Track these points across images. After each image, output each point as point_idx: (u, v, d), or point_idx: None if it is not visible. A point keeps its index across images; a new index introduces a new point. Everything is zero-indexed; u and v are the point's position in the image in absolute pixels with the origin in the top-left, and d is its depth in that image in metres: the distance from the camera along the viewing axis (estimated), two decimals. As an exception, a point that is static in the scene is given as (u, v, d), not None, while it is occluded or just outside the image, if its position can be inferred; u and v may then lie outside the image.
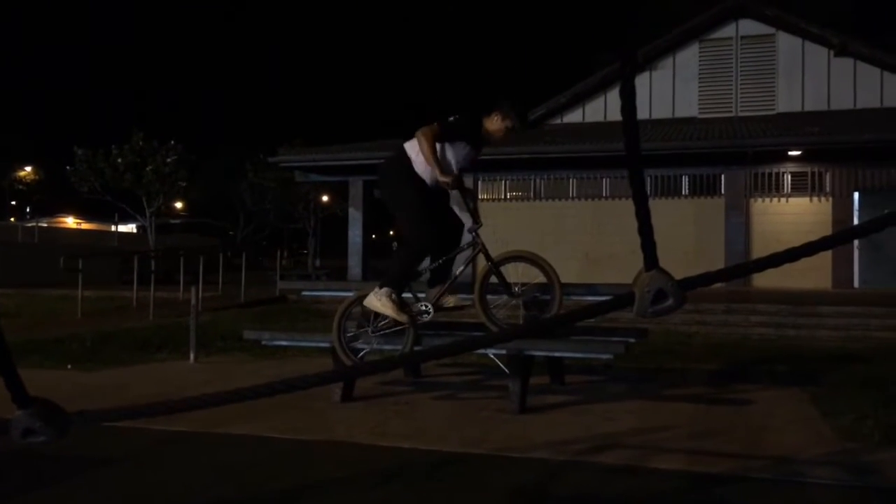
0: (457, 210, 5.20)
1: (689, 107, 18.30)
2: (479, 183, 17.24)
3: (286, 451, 4.09)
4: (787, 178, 16.17)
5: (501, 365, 5.16)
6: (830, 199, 15.94)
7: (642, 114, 18.08)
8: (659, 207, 16.07)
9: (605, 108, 18.75)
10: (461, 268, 5.15)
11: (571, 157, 16.07)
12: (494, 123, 4.94)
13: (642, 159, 1.04)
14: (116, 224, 26.67)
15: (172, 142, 25.87)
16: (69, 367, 7.09)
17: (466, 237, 5.05)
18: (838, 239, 1.04)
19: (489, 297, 5.03)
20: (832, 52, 17.29)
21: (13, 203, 48.94)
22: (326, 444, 4.24)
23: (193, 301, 7.79)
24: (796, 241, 1.09)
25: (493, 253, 5.00)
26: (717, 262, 14.74)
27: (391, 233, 62.41)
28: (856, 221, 15.58)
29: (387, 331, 5.01)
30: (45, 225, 29.75)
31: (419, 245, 4.87)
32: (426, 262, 5.12)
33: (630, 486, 3.52)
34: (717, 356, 8.02)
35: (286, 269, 25.79)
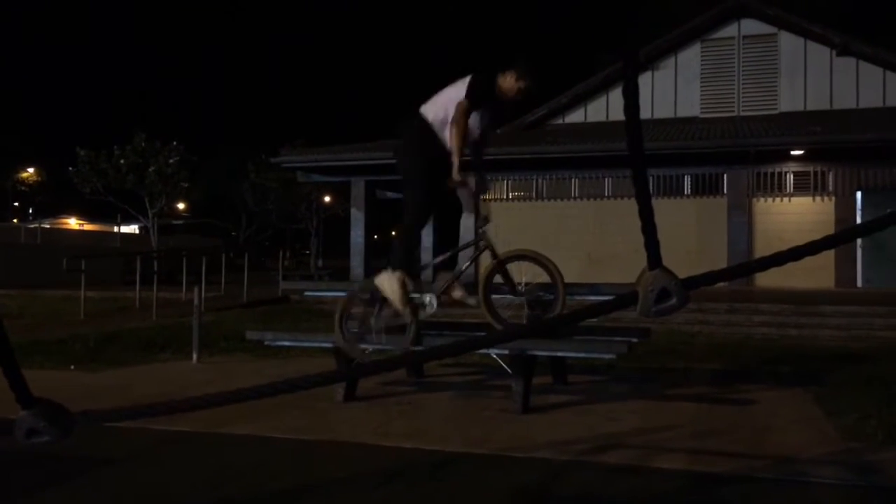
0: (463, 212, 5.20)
1: (691, 106, 18.29)
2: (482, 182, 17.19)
3: (288, 451, 4.09)
4: (790, 178, 16.15)
5: (504, 365, 5.15)
6: (833, 198, 15.92)
7: (644, 113, 18.03)
8: (661, 207, 16.01)
9: (607, 107, 18.74)
10: (467, 263, 5.13)
11: (573, 157, 16.06)
12: (508, 82, 4.88)
13: (645, 159, 1.04)
14: (119, 225, 26.70)
15: (175, 142, 25.93)
16: (72, 367, 7.10)
17: (471, 235, 5.02)
18: (841, 238, 1.04)
19: (493, 296, 5.03)
20: (834, 52, 17.27)
21: (16, 204, 49.01)
22: (329, 444, 4.24)
23: (196, 301, 7.80)
24: (799, 241, 1.09)
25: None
26: (719, 262, 14.73)
27: (393, 234, 62.48)
28: (858, 221, 15.56)
29: (389, 320, 5.00)
30: (48, 226, 29.78)
31: (416, 213, 4.84)
32: (428, 259, 5.12)
33: (633, 486, 3.52)
34: (720, 356, 8.01)
35: (288, 269, 25.82)
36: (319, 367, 6.11)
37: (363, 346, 5.14)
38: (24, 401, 1.20)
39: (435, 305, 4.97)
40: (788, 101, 17.69)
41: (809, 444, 4.16)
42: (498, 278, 5.02)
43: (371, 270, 18.28)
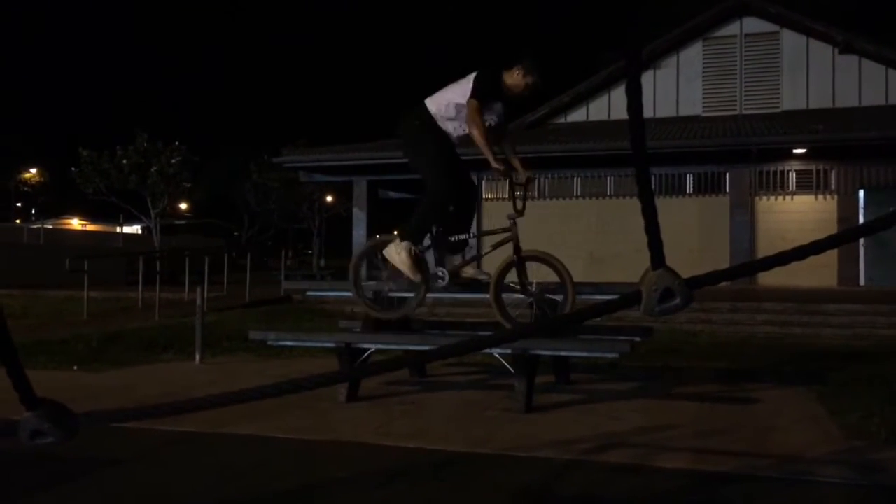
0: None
1: (693, 105, 18.28)
2: (483, 182, 17.22)
3: (291, 452, 4.09)
4: (792, 176, 16.13)
5: (507, 364, 5.16)
6: (835, 196, 15.90)
7: (646, 112, 18.04)
8: (664, 206, 16.01)
9: (609, 106, 18.73)
10: (489, 249, 5.12)
11: (575, 156, 16.06)
12: (514, 77, 4.89)
13: (648, 158, 1.04)
14: (121, 225, 26.75)
15: (177, 143, 25.96)
16: (75, 367, 7.11)
17: (504, 221, 5.02)
18: (846, 237, 1.04)
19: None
20: (837, 50, 17.24)
21: (18, 205, 49.09)
22: (331, 444, 4.24)
23: (199, 301, 7.80)
24: (801, 239, 1.09)
25: (494, 253, 5.00)
26: (722, 261, 14.72)
27: (395, 232, 62.39)
28: (861, 219, 15.54)
29: (402, 287, 5.08)
30: (51, 226, 29.85)
31: (440, 195, 4.88)
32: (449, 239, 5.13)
33: (636, 486, 3.52)
34: (723, 355, 8.00)
35: (291, 269, 25.84)
36: (322, 367, 6.11)
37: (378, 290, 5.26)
38: (28, 402, 1.20)
39: (447, 279, 4.99)
40: (791, 99, 17.66)
41: (813, 443, 4.16)
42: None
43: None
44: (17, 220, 38.53)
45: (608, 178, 17.15)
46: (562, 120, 19.24)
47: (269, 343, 6.12)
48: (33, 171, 49.36)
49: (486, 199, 17.29)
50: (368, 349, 5.45)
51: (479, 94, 4.76)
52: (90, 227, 32.65)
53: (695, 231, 16.01)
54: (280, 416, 4.73)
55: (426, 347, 4.88)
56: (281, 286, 14.25)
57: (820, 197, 15.99)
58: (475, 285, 5.16)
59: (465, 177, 5.16)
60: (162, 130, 27.00)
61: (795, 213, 15.92)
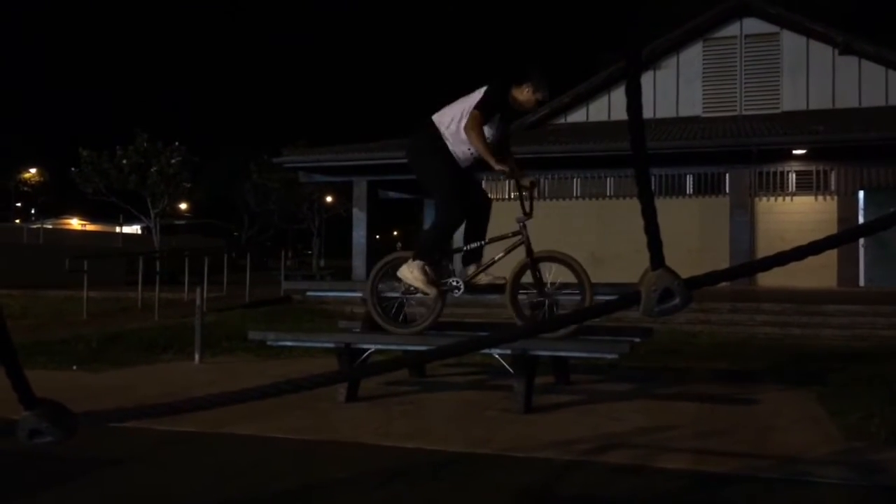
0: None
1: (693, 106, 18.28)
2: (483, 183, 17.21)
3: (290, 452, 4.09)
4: (792, 177, 16.14)
5: (506, 365, 5.16)
6: (835, 197, 15.90)
7: (646, 113, 18.05)
8: (664, 206, 15.98)
9: (608, 107, 18.73)
10: (501, 254, 5.14)
11: (575, 157, 16.06)
12: (524, 94, 4.91)
13: (648, 158, 1.04)
14: (121, 225, 26.74)
15: (177, 143, 25.96)
16: (75, 367, 7.10)
17: (514, 225, 5.04)
18: (845, 237, 1.04)
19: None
20: (837, 51, 17.25)
21: (18, 205, 49.09)
22: (331, 444, 4.24)
23: (198, 301, 7.80)
24: (801, 240, 1.09)
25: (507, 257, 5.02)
26: (721, 261, 14.72)
27: (395, 233, 62.45)
28: (861, 220, 15.54)
29: (419, 302, 5.17)
30: (50, 226, 29.84)
31: (450, 216, 4.94)
32: (461, 242, 5.17)
33: (636, 486, 3.52)
34: (723, 355, 8.00)
35: (290, 269, 25.83)
36: (322, 367, 6.11)
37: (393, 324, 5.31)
38: (26, 401, 1.20)
39: (463, 289, 5.06)
40: (791, 100, 17.67)
41: (812, 444, 4.16)
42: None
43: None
44: (17, 220, 38.53)
45: (608, 179, 17.16)
46: (562, 121, 19.24)
47: (268, 343, 6.12)
48: (33, 171, 49.37)
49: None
50: (368, 349, 5.45)
51: (485, 108, 4.80)
52: (90, 228, 32.64)
53: (695, 231, 16.02)
54: (280, 417, 4.73)
55: (425, 348, 4.88)
56: (281, 286, 14.25)
57: (820, 198, 16.00)
58: (491, 290, 5.18)
59: (476, 190, 5.24)
60: (162, 131, 26.99)
61: (795, 213, 15.93)
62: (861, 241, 15.41)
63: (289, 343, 6.20)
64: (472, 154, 4.96)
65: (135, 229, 29.85)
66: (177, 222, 30.00)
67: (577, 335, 5.14)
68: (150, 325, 10.42)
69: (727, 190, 16.35)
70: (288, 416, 4.79)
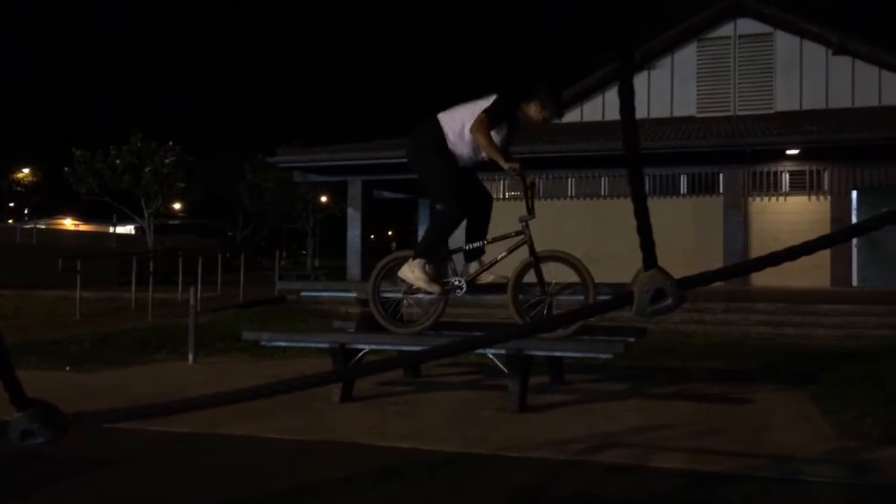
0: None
1: (687, 106, 18.31)
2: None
3: (285, 452, 4.09)
4: (786, 177, 16.18)
5: (501, 365, 5.16)
6: (829, 197, 15.95)
7: (641, 113, 18.06)
8: (658, 206, 16.07)
9: (603, 107, 18.76)
10: (504, 253, 5.14)
11: (570, 157, 16.07)
12: (533, 112, 4.91)
13: (641, 158, 1.04)
14: (115, 225, 26.68)
15: (171, 143, 25.89)
16: (68, 368, 7.08)
17: (516, 225, 5.04)
18: (837, 237, 1.04)
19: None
20: (830, 51, 17.30)
21: (11, 205, 48.90)
22: (325, 444, 4.23)
23: (192, 301, 7.78)
24: (794, 240, 1.09)
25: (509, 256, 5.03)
26: (715, 261, 14.75)
27: (390, 233, 62.42)
28: (854, 220, 15.58)
29: (419, 296, 5.16)
30: (44, 226, 29.74)
31: (450, 215, 4.95)
32: (461, 243, 5.18)
33: (631, 486, 3.52)
34: (717, 355, 8.02)
35: (285, 269, 25.79)
36: (316, 368, 6.10)
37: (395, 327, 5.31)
38: (18, 402, 1.20)
39: (465, 288, 5.06)
40: (784, 100, 17.71)
41: (806, 443, 4.17)
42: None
43: (368, 270, 18.29)
44: (10, 220, 38.38)
45: (602, 179, 17.18)
46: (556, 121, 19.27)
47: (262, 343, 6.11)
48: (26, 170, 49.17)
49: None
50: (362, 350, 5.45)
51: (493, 115, 4.80)
52: (83, 228, 32.54)
53: (689, 231, 16.05)
54: (274, 417, 4.72)
55: (419, 348, 4.88)
56: (275, 286, 14.23)
57: (813, 198, 16.05)
58: (494, 289, 5.18)
59: (477, 189, 5.23)
60: (156, 130, 26.86)
61: (789, 213, 15.97)
62: (854, 241, 15.46)
63: (283, 343, 6.19)
64: (474, 156, 4.96)
65: (129, 229, 29.79)
66: (171, 222, 29.94)
67: (576, 335, 5.14)
68: (143, 326, 10.40)
69: (721, 190, 16.38)
70: (282, 416, 4.78)
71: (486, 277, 5.13)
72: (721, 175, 16.34)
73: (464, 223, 5.15)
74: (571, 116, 19.20)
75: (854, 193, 15.90)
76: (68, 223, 34.29)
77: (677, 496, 3.40)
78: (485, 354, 5.41)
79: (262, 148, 30.01)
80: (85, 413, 1.25)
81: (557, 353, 5.54)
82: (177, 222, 30.84)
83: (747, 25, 18.01)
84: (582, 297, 4.92)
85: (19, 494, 3.42)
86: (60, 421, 1.20)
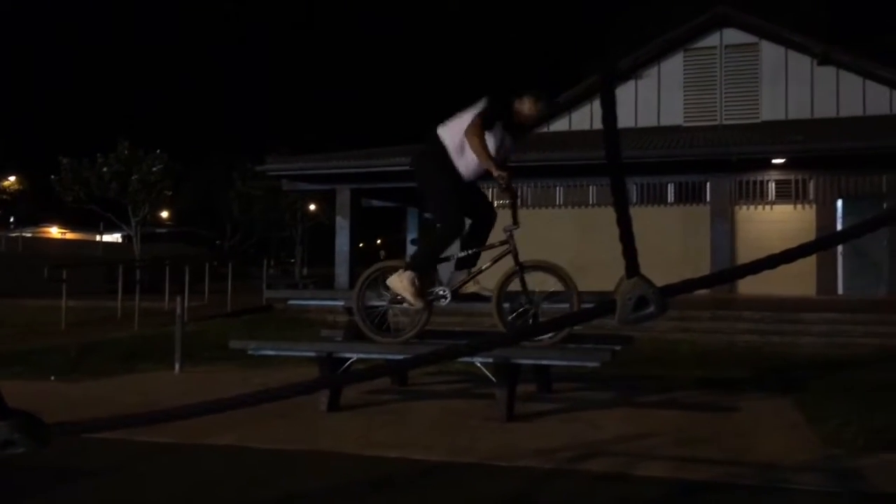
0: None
1: (674, 115, 18.41)
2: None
3: (271, 462, 4.06)
4: (772, 186, 16.28)
5: (488, 373, 5.16)
6: (814, 206, 16.06)
7: (628, 122, 18.19)
8: (646, 215, 16.13)
9: (591, 116, 18.83)
10: (488, 264, 5.14)
11: (558, 166, 16.11)
12: (526, 107, 4.93)
13: (623, 167, 1.05)
14: (101, 233, 26.49)
15: (158, 150, 25.78)
16: (53, 378, 7.02)
17: (500, 235, 5.05)
18: (817, 246, 1.05)
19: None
20: (815, 61, 17.46)
21: (-3, 213, 48.48)
22: (312, 454, 4.21)
23: (179, 310, 7.74)
24: (781, 248, 1.10)
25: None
26: (703, 269, 14.81)
27: (378, 241, 62.37)
28: (839, 228, 15.70)
29: (405, 311, 5.18)
30: (30, 235, 29.53)
31: (448, 231, 4.99)
32: (455, 250, 5.18)
33: (617, 494, 3.53)
34: (704, 363, 8.05)
35: (273, 277, 25.70)
36: (304, 377, 6.08)
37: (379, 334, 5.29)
38: (-1, 412, 1.19)
39: (449, 297, 5.08)
40: (770, 109, 17.84)
41: (791, 451, 4.19)
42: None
43: (356, 279, 18.26)
44: (-4, 229, 38.05)
45: (590, 188, 17.23)
46: (544, 129, 19.33)
47: (249, 352, 6.08)
48: (12, 178, 48.80)
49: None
50: (350, 358, 5.44)
51: (485, 117, 4.83)
52: (69, 236, 32.32)
53: (676, 239, 16.12)
54: (260, 427, 4.70)
55: (402, 356, 4.85)
56: (263, 295, 14.18)
57: (799, 206, 16.15)
58: (478, 299, 5.18)
59: (481, 201, 5.27)
60: (144, 138, 26.72)
61: (775, 222, 16.07)
62: (839, 249, 15.57)
63: (270, 352, 6.16)
64: (477, 168, 4.97)
65: (116, 238, 29.60)
66: (158, 230, 29.79)
67: (563, 343, 5.15)
68: (129, 335, 10.33)
69: (708, 198, 16.46)
70: (269, 425, 4.75)
71: (472, 287, 5.14)
72: (708, 184, 16.42)
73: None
74: (559, 125, 19.27)
75: (839, 202, 16.02)
76: (54, 231, 34.04)
77: (664, 504, 3.41)
78: (472, 363, 5.41)
79: (250, 156, 29.96)
80: (65, 423, 1.25)
81: (544, 362, 5.55)
82: (164, 230, 30.69)
83: (733, 36, 18.15)
84: (566, 305, 4.94)
85: (1, 505, 3.39)
86: (42, 431, 1.19)
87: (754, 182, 16.23)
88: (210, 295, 15.10)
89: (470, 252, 5.15)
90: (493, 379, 5.05)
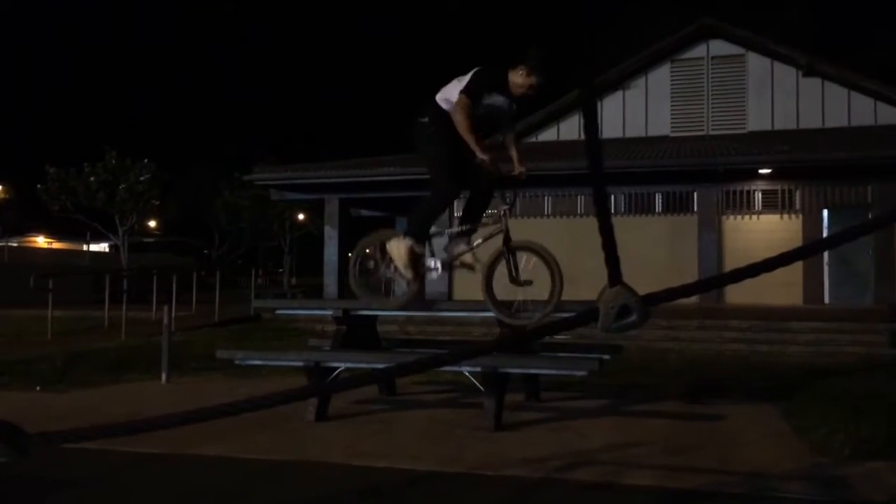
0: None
1: (661, 125, 18.52)
2: (455, 202, 17.23)
3: (257, 472, 4.04)
4: (758, 196, 16.39)
5: (476, 382, 5.15)
6: (800, 216, 16.17)
7: (616, 132, 18.28)
8: (634, 224, 16.20)
9: (579, 126, 18.89)
10: (479, 241, 5.12)
11: (546, 175, 16.16)
12: (520, 77, 4.88)
13: (605, 177, 1.05)
14: (88, 243, 26.34)
15: (146, 160, 25.69)
16: (38, 388, 6.96)
17: (493, 214, 5.02)
18: (795, 256, 1.06)
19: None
20: (801, 72, 17.62)
21: (-17, 222, 48.12)
22: (299, 464, 4.19)
23: (166, 320, 7.70)
24: (767, 258, 1.11)
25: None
26: (690, 279, 14.74)
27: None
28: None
29: (395, 277, 5.11)
30: (16, 244, 29.30)
31: (439, 195, 4.95)
32: (443, 226, 5.13)
33: (605, 503, 3.52)
34: (692, 372, 8.07)
35: (261, 287, 25.62)
36: (291, 387, 6.05)
37: (368, 294, 5.24)
38: (-21, 422, 1.18)
39: (440, 269, 5.02)
40: (756, 120, 17.98)
41: (779, 460, 4.20)
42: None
43: (344, 288, 18.22)
44: (-19, 238, 37.74)
45: (578, 198, 17.29)
46: (533, 139, 19.39)
47: (237, 362, 6.05)
48: (-2, 188, 48.47)
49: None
50: (338, 367, 5.42)
51: (471, 92, 4.78)
52: (56, 246, 32.12)
53: (664, 249, 16.18)
54: (247, 437, 4.67)
55: (384, 365, 4.84)
56: (251, 305, 14.13)
57: (785, 216, 16.26)
58: (470, 269, 5.15)
59: (478, 175, 5.13)
60: (131, 147, 26.61)
61: (762, 231, 16.16)
62: (825, 259, 15.67)
63: (257, 362, 6.14)
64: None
65: (103, 247, 29.44)
66: (146, 240, 29.68)
67: (551, 351, 5.14)
68: (116, 345, 10.26)
69: (695, 208, 16.55)
70: (256, 435, 4.73)
71: (467, 258, 5.08)
72: (695, 193, 16.51)
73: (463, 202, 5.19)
74: (548, 135, 19.35)
75: (825, 212, 16.14)
76: (41, 241, 33.82)
77: (651, 513, 3.41)
78: (461, 372, 5.40)
79: (238, 165, 29.89)
80: (46, 433, 1.24)
81: (532, 371, 5.55)
82: (152, 240, 30.59)
83: (719, 47, 18.30)
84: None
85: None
86: (22, 441, 1.18)
87: (741, 192, 16.34)
88: (198, 305, 15.03)
89: (465, 228, 5.10)
90: (482, 388, 5.05)
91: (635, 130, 18.46)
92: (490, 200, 5.23)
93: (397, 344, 6.72)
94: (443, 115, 4.90)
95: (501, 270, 4.92)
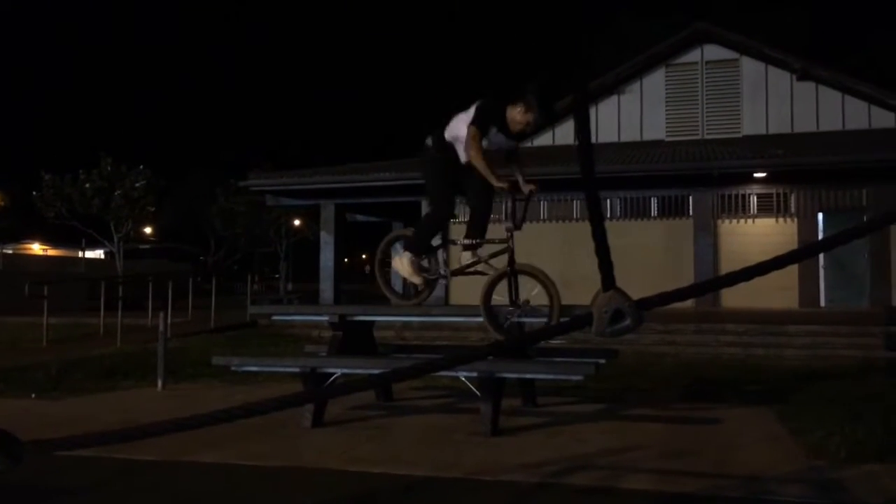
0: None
1: (656, 130, 18.57)
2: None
3: (253, 479, 4.03)
4: (753, 200, 16.43)
5: (473, 388, 5.15)
6: (795, 219, 16.22)
7: (611, 137, 18.33)
8: (629, 228, 16.24)
9: (574, 130, 18.95)
10: (486, 255, 5.22)
11: (542, 180, 16.15)
12: (518, 115, 4.97)
13: (597, 182, 1.06)
14: (83, 250, 26.27)
15: (141, 166, 25.65)
16: (33, 395, 6.94)
17: (502, 234, 5.11)
18: (788, 259, 1.06)
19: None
20: (795, 77, 17.68)
21: (-23, 229, 48.00)
22: (295, 470, 4.18)
23: (162, 327, 7.68)
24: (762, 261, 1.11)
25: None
26: (686, 283, 14.81)
27: (363, 256, 62.26)
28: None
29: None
30: (10, 251, 29.21)
31: (435, 214, 5.25)
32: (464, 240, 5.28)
33: (601, 508, 3.52)
34: (688, 376, 8.08)
35: (257, 293, 25.59)
36: (287, 393, 6.03)
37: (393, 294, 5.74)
38: (-28, 430, 1.17)
39: (449, 277, 5.38)
40: (751, 124, 18.04)
41: (775, 463, 4.20)
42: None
43: (341, 293, 18.20)
44: (-24, 245, 37.63)
45: (574, 202, 17.31)
46: (528, 144, 19.43)
47: (233, 369, 6.04)
48: (-7, 195, 48.36)
49: (457, 223, 17.34)
50: (334, 373, 5.41)
51: (480, 123, 4.90)
52: (51, 252, 32.01)
53: (660, 253, 16.20)
54: (243, 443, 4.66)
55: (379, 371, 4.83)
56: (247, 311, 14.11)
57: (780, 220, 16.30)
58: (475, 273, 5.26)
59: (475, 186, 5.24)
60: (127, 154, 26.57)
61: (757, 235, 16.20)
62: (821, 262, 15.71)
63: (253, 368, 6.13)
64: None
65: (98, 254, 29.37)
66: (141, 247, 29.59)
67: (548, 356, 5.14)
68: (112, 352, 10.23)
69: (691, 212, 16.59)
70: (252, 442, 4.72)
71: (479, 266, 5.18)
72: (691, 197, 16.55)
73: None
74: (543, 140, 19.38)
75: (820, 216, 16.19)
76: (36, 248, 33.72)
77: (648, 518, 3.40)
78: (457, 377, 5.40)
79: (234, 172, 29.88)
80: (39, 440, 1.23)
81: (529, 376, 5.55)
82: (147, 247, 30.49)
83: (714, 52, 18.37)
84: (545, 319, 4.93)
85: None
86: (16, 448, 1.18)
87: (736, 196, 16.38)
88: (193, 311, 15.00)
89: (473, 242, 5.24)
90: (478, 393, 5.04)
91: (630, 135, 18.51)
92: (486, 213, 5.36)
93: (394, 349, 6.73)
94: (447, 146, 5.13)
95: (501, 291, 5.00)
